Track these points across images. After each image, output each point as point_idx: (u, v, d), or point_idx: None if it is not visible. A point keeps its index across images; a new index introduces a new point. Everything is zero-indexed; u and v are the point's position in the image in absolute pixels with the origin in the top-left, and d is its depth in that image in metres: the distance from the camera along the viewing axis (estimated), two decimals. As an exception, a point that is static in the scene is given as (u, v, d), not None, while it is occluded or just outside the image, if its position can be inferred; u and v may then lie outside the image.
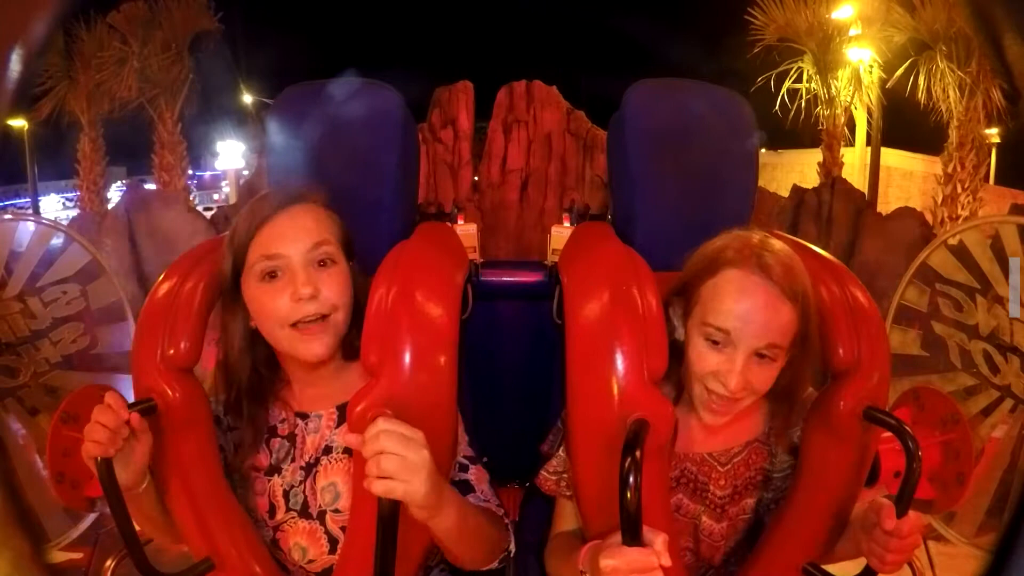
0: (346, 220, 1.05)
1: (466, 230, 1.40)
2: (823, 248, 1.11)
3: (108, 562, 1.13)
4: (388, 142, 1.17)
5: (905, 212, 5.74)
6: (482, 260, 1.48)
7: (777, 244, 0.97)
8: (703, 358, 0.96)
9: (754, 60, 8.35)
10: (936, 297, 3.06)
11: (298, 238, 0.98)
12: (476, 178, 7.05)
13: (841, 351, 1.00)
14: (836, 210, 5.79)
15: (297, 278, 0.96)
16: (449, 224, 1.35)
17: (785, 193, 6.21)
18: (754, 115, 1.25)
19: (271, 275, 0.98)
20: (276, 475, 1.06)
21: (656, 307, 0.97)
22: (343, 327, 1.01)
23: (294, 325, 0.97)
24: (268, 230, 0.98)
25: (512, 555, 1.03)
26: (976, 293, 2.96)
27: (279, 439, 1.07)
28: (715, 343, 0.95)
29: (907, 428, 0.90)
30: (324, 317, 0.98)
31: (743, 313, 0.93)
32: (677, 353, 1.00)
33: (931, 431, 1.28)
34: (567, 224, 1.45)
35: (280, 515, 1.06)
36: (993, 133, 8.07)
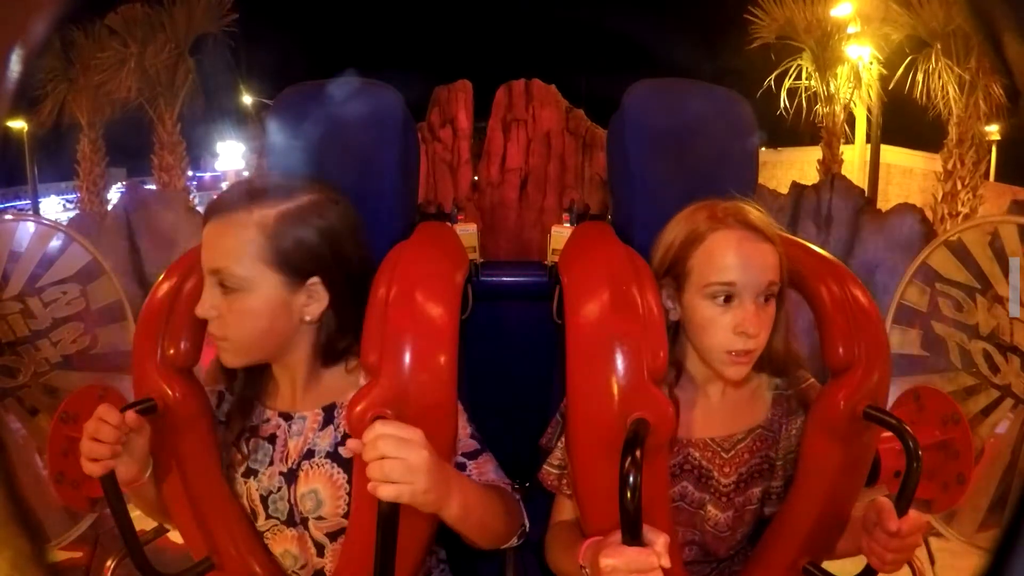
0: None
1: (466, 230, 1.40)
2: (822, 244, 1.11)
3: (108, 562, 1.13)
4: (388, 142, 1.17)
5: (905, 208, 5.73)
6: (482, 260, 1.47)
7: (739, 202, 1.03)
8: (714, 321, 0.99)
9: (753, 58, 8.35)
10: (936, 297, 3.06)
11: (205, 254, 0.96)
12: (476, 177, 7.04)
13: (841, 350, 1.00)
14: (835, 206, 5.79)
15: (203, 296, 0.96)
16: (449, 224, 1.35)
17: (785, 191, 6.20)
18: (754, 115, 1.25)
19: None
20: (252, 478, 1.04)
21: (656, 307, 0.97)
22: (247, 354, 0.99)
23: None
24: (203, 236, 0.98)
25: (527, 530, 1.03)
26: (976, 293, 2.96)
27: (258, 439, 1.04)
28: (723, 300, 0.98)
29: (907, 428, 0.90)
30: (220, 337, 0.97)
31: (742, 263, 0.97)
32: (673, 335, 1.04)
33: (931, 431, 1.28)
34: (567, 224, 1.45)
35: (261, 520, 1.04)
36: (993, 131, 8.06)
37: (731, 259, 0.98)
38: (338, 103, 1.17)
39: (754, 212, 1.01)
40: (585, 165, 6.96)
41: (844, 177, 6.44)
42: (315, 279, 0.97)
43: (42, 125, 8.26)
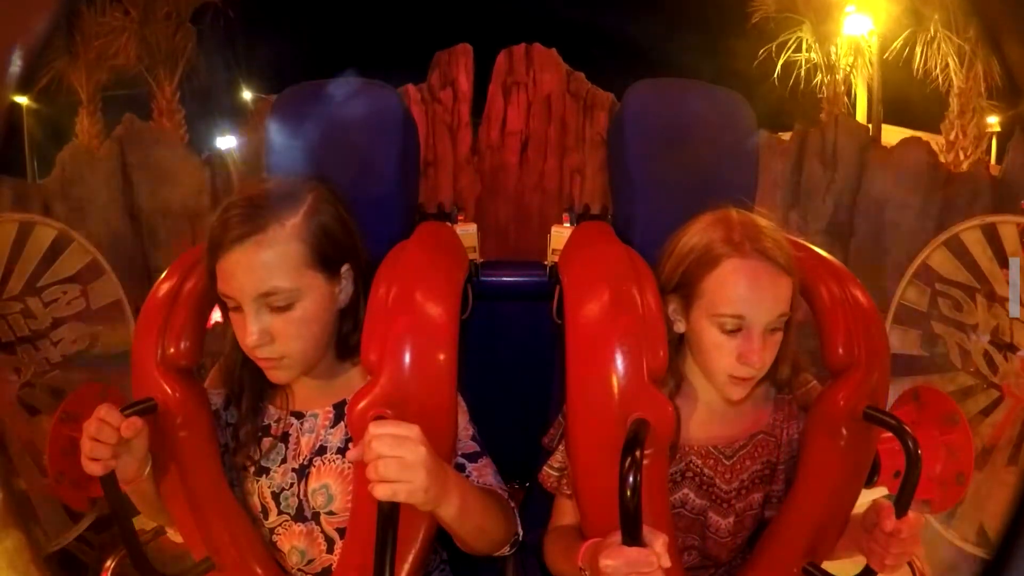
0: None
1: (466, 230, 1.40)
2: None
3: (108, 562, 1.13)
4: (388, 142, 1.17)
5: (911, 142, 5.70)
6: (482, 260, 1.47)
7: (756, 219, 1.00)
8: (720, 347, 0.98)
9: (753, 38, 8.29)
10: (936, 297, 3.06)
11: (245, 283, 0.93)
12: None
13: (841, 350, 1.00)
14: (841, 145, 5.76)
15: (247, 324, 0.93)
16: (449, 224, 1.35)
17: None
18: (754, 115, 1.26)
19: (233, 309, 0.96)
20: (264, 476, 1.05)
21: (656, 307, 0.97)
22: (305, 363, 0.99)
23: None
24: (221, 265, 0.94)
25: (520, 538, 1.02)
26: (976, 293, 2.96)
27: (270, 438, 1.06)
28: (730, 330, 0.97)
29: (907, 428, 0.90)
30: (279, 357, 0.96)
31: (754, 297, 0.96)
32: (676, 346, 1.03)
33: (931, 431, 1.28)
34: (567, 224, 1.45)
35: (273, 517, 1.05)
36: (993, 123, 8.03)
37: (744, 292, 0.96)
38: (338, 103, 1.17)
39: (770, 237, 0.98)
40: (586, 126, 6.93)
41: (848, 116, 6.37)
42: (346, 266, 1.01)
43: (41, 98, 8.21)
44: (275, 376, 0.99)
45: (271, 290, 0.93)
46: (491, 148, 6.88)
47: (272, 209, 0.94)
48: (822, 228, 5.78)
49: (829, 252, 1.10)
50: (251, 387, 1.05)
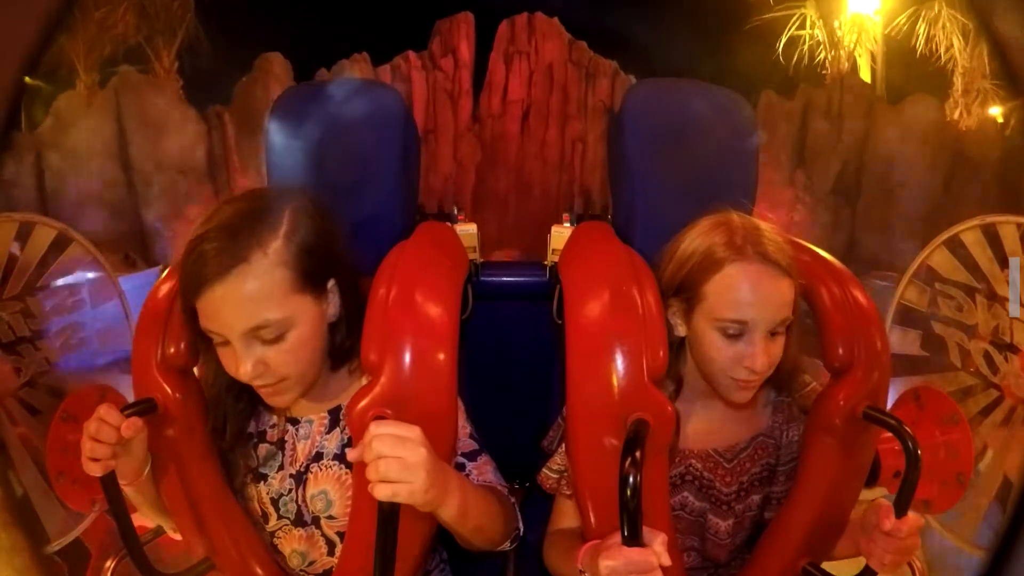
0: (346, 221, 1.04)
1: (466, 230, 1.40)
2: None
3: (108, 562, 1.13)
4: (389, 142, 1.18)
5: (918, 99, 5.68)
6: (482, 260, 1.48)
7: (757, 222, 1.00)
8: (722, 351, 0.97)
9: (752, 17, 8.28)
10: (936, 297, 3.06)
11: (232, 320, 0.87)
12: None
13: (840, 351, 1.00)
14: (846, 103, 5.72)
15: (238, 360, 0.89)
16: (449, 224, 1.35)
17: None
18: (754, 115, 1.26)
19: (220, 343, 0.91)
20: (262, 482, 1.04)
21: (656, 307, 0.97)
22: (304, 383, 0.96)
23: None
24: (202, 303, 0.88)
25: (522, 533, 1.02)
26: (976, 293, 2.96)
27: (266, 445, 1.05)
28: (732, 335, 0.96)
29: (907, 428, 0.90)
30: (277, 382, 0.92)
31: (756, 302, 0.95)
32: (676, 350, 1.02)
33: (931, 431, 1.28)
34: (567, 224, 1.45)
35: (273, 522, 1.05)
36: (996, 114, 8.02)
37: (746, 296, 0.95)
38: (338, 103, 1.17)
39: (771, 240, 0.97)
40: (588, 94, 6.90)
41: (853, 75, 6.34)
42: (331, 282, 0.97)
43: (36, 76, 8.17)
44: (276, 401, 0.95)
45: (261, 323, 0.88)
46: (492, 116, 6.86)
47: (249, 236, 0.88)
48: (829, 188, 5.69)
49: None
50: (235, 415, 1.02)
